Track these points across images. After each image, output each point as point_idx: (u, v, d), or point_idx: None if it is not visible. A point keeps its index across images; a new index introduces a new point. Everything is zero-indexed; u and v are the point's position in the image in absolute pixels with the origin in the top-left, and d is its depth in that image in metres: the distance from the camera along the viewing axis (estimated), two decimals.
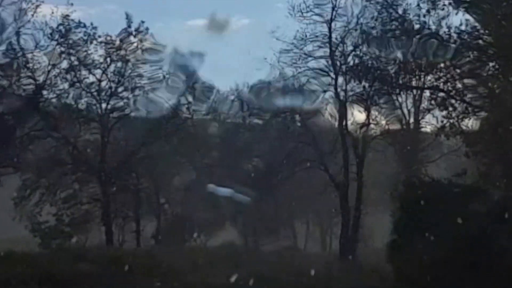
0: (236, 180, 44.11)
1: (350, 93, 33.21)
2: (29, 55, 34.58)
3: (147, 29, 37.59)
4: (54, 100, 36.99)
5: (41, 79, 35.28)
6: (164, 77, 38.46)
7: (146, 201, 41.79)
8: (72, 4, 35.55)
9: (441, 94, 26.34)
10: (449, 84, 24.63)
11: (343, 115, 34.33)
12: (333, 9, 31.99)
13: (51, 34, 35.15)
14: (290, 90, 37.76)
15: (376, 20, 25.61)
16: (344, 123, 34.41)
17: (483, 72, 22.22)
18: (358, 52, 31.24)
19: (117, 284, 23.64)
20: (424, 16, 24.14)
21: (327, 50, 33.26)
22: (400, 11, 25.09)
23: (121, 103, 38.25)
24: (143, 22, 37.46)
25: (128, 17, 37.29)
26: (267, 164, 41.46)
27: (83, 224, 38.04)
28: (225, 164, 44.85)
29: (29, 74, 35.05)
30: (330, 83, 33.98)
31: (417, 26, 24.19)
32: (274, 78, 38.17)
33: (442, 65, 24.12)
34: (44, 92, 35.86)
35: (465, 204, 20.75)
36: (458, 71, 23.33)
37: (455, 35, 23.07)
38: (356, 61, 31.49)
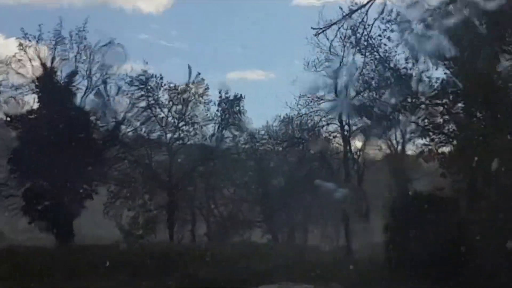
0: (266, 194, 44.62)
1: (354, 127, 33.50)
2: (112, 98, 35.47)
3: (202, 79, 38.57)
4: (131, 132, 37.76)
5: (121, 116, 36.03)
6: (214, 114, 39.50)
7: (200, 207, 42.28)
8: (147, 63, 37.10)
9: (420, 127, 26.47)
10: (426, 120, 24.71)
11: (346, 143, 34.69)
12: (340, 63, 32.07)
13: (131, 81, 36.04)
14: (306, 125, 38.27)
15: (374, 71, 25.73)
16: (347, 149, 34.65)
17: (455, 110, 22.49)
18: (359, 97, 31.47)
19: (173, 268, 23.73)
20: (410, 69, 24.13)
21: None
22: (392, 65, 25.14)
23: (182, 135, 39.23)
24: (199, 73, 38.36)
25: (189, 69, 38.19)
26: (290, 182, 41.68)
27: (152, 225, 38.76)
28: (257, 181, 45.37)
29: (112, 112, 35.84)
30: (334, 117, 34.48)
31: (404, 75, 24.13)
32: (294, 116, 38.85)
33: (423, 106, 24.21)
34: (123, 127, 36.68)
35: (441, 211, 20.83)
36: (436, 109, 23.45)
37: (434, 83, 23.21)
38: (357, 103, 31.65)
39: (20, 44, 32.46)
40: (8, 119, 32.17)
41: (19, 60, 32.36)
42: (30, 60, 32.54)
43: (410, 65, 24.85)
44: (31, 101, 32.81)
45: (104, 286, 18.20)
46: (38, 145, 30.30)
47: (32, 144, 30.64)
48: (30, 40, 32.51)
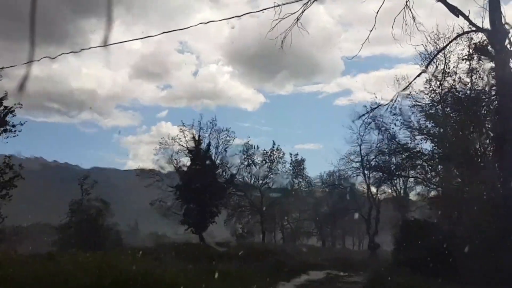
0: (318, 216, 43.73)
1: (373, 178, 32.47)
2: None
3: (280, 148, 38.88)
4: (240, 179, 37.94)
5: (235, 170, 36.53)
6: (287, 169, 39.59)
7: (279, 223, 41.97)
8: (249, 137, 37.92)
9: (416, 179, 25.36)
10: (420, 174, 23.75)
11: (368, 188, 33.68)
12: (361, 140, 31.67)
13: (241, 150, 36.78)
14: (343, 176, 37.61)
15: (386, 144, 24.94)
16: (369, 191, 33.55)
17: (439, 169, 21.53)
18: (376, 159, 30.53)
19: (264, 257, 22.34)
20: (410, 143, 23.25)
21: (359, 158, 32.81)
22: (397, 140, 24.36)
23: (269, 181, 39.35)
24: (278, 145, 38.80)
25: (273, 143, 38.68)
26: (332, 210, 40.67)
27: (252, 232, 38.73)
28: (311, 209, 44.81)
29: (229, 168, 36.25)
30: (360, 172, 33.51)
31: (405, 146, 23.20)
32: (336, 171, 38.32)
33: (418, 166, 23.26)
34: (236, 176, 36.93)
35: (429, 231, 19.72)
36: (427, 168, 22.49)
37: (425, 151, 22.29)
38: (375, 163, 30.76)
39: (181, 129, 33.92)
40: (175, 170, 33.62)
41: (180, 138, 33.52)
42: (185, 137, 33.60)
43: (409, 140, 24.20)
44: (186, 160, 33.76)
45: (228, 266, 18.09)
46: (190, 185, 31.29)
47: (187, 184, 31.67)
48: (185, 126, 33.62)
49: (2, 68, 17.55)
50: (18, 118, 19.38)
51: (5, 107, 18.68)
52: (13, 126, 18.74)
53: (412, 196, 32.48)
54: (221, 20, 7.83)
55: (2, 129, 18.24)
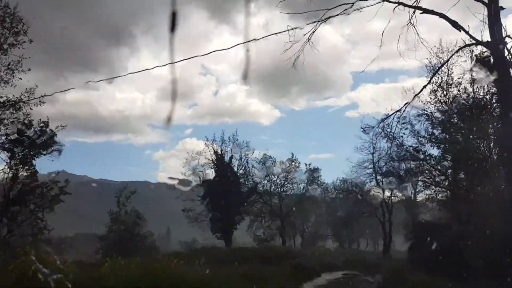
0: (334, 220, 43.02)
1: (385, 183, 31.68)
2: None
3: (296, 158, 38.59)
4: (261, 188, 37.75)
5: (256, 179, 36.40)
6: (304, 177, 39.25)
7: (298, 227, 41.50)
8: (267, 149, 37.76)
9: (425, 183, 24.61)
10: (429, 179, 23.13)
11: (381, 193, 32.93)
12: (373, 148, 31.05)
13: (259, 161, 36.77)
14: (356, 181, 36.82)
15: (396, 151, 24.22)
16: (382, 196, 32.84)
17: (446, 173, 20.94)
18: (387, 166, 29.81)
19: (285, 260, 21.87)
20: (418, 148, 22.44)
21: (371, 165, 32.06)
22: (406, 147, 23.61)
23: (286, 188, 39.11)
24: (295, 155, 38.67)
25: (292, 154, 39.34)
26: (348, 214, 39.92)
27: (272, 236, 38.39)
28: (326, 214, 44.24)
29: (251, 178, 36.19)
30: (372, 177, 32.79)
31: (414, 152, 22.49)
32: (349, 178, 37.61)
33: (426, 170, 22.66)
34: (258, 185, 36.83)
35: (440, 232, 19.22)
36: (435, 172, 21.94)
37: (433, 157, 21.62)
38: (386, 169, 30.04)
39: (206, 144, 34.23)
40: (200, 182, 33.92)
41: (205, 152, 33.72)
42: (210, 151, 33.86)
43: (417, 146, 23.43)
44: (211, 172, 33.97)
45: (252, 269, 17.86)
46: (216, 194, 31.46)
47: (213, 194, 31.85)
48: (209, 140, 33.95)
49: (44, 96, 18.33)
50: (60, 138, 19.99)
51: (42, 129, 19.20)
52: (60, 146, 19.35)
53: (422, 199, 31.64)
54: (237, 44, 8.04)
55: (51, 148, 18.89)
